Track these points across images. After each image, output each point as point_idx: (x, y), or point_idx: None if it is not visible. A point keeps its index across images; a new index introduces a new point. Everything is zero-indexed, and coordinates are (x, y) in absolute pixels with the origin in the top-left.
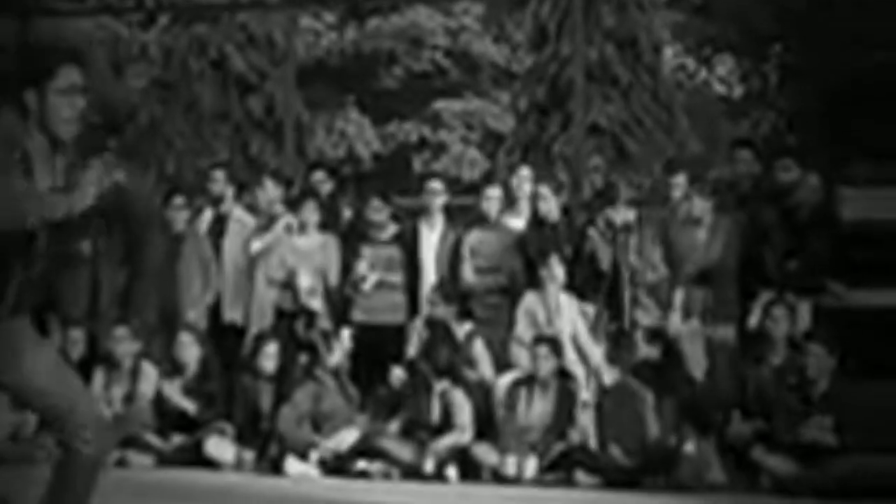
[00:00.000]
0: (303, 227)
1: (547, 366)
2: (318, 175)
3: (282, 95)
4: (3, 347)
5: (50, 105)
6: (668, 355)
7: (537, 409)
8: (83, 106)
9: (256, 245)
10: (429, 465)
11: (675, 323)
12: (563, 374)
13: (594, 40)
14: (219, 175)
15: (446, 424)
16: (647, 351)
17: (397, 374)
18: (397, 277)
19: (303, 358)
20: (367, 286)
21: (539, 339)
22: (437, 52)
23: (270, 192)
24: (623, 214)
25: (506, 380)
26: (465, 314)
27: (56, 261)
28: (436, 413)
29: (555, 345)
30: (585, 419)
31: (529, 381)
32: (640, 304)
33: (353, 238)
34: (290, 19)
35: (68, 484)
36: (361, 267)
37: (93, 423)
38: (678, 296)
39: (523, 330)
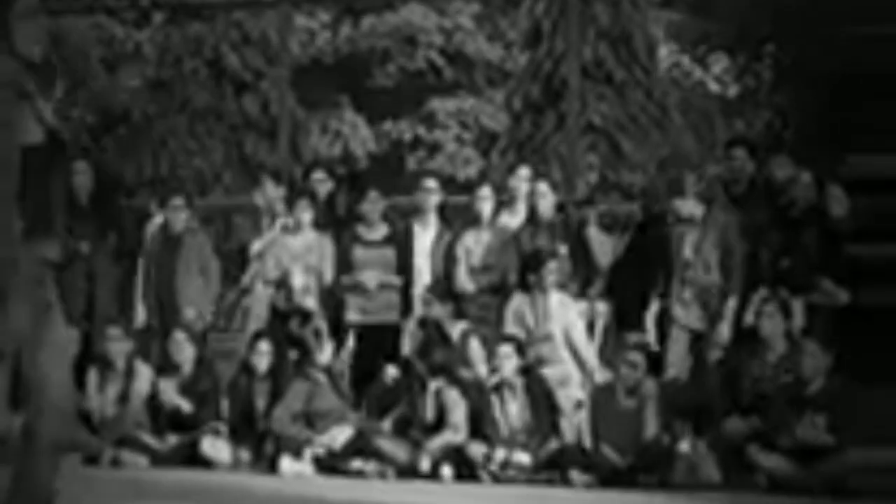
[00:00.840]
0: (297, 226)
1: (509, 365)
2: (318, 175)
3: (276, 94)
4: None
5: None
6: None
7: (513, 411)
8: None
9: (256, 246)
10: (424, 464)
11: (723, 333)
12: (529, 372)
13: (589, 39)
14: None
15: (440, 423)
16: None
17: (391, 372)
18: (391, 277)
19: (294, 356)
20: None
21: (502, 339)
22: (431, 51)
23: (270, 191)
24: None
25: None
26: (459, 314)
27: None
28: (430, 411)
29: (518, 344)
30: (579, 418)
31: (500, 384)
32: (684, 301)
33: (346, 237)
34: (284, 18)
35: (30, 469)
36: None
37: (58, 410)
38: (730, 304)
39: (511, 330)
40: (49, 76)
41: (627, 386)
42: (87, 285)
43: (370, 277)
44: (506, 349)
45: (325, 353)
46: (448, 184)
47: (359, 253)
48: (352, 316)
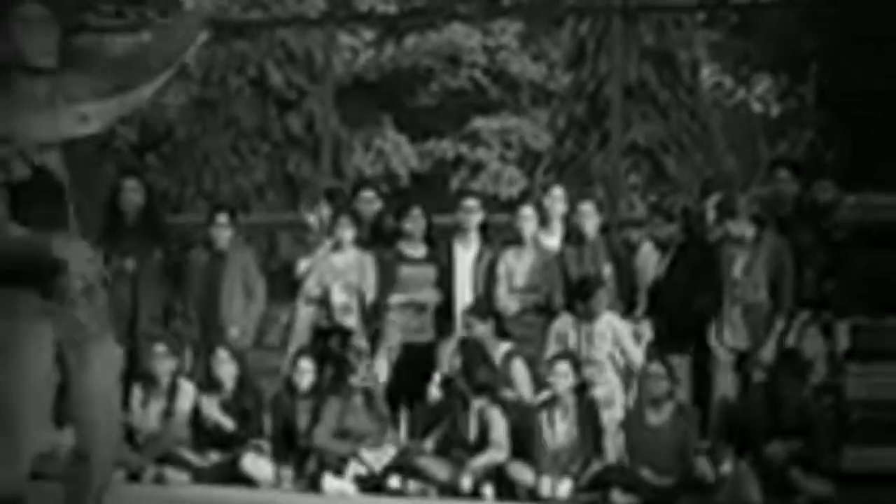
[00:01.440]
0: (338, 245)
1: (565, 383)
2: (367, 194)
3: (320, 112)
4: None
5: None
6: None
7: (561, 430)
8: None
9: (303, 265)
10: (465, 484)
11: (767, 354)
12: (583, 391)
13: (632, 58)
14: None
15: (483, 442)
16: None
17: (434, 392)
18: (429, 296)
19: (330, 372)
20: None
21: (557, 357)
22: (474, 70)
23: (325, 210)
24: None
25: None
26: (502, 334)
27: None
28: (473, 430)
29: (574, 361)
30: (620, 439)
31: (552, 402)
32: (732, 322)
33: (390, 255)
34: (328, 36)
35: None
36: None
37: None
38: (777, 326)
39: (552, 351)
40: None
41: (655, 403)
42: (132, 302)
43: (430, 296)
44: (562, 367)
45: (360, 373)
46: (491, 203)
47: (404, 271)
48: (393, 334)
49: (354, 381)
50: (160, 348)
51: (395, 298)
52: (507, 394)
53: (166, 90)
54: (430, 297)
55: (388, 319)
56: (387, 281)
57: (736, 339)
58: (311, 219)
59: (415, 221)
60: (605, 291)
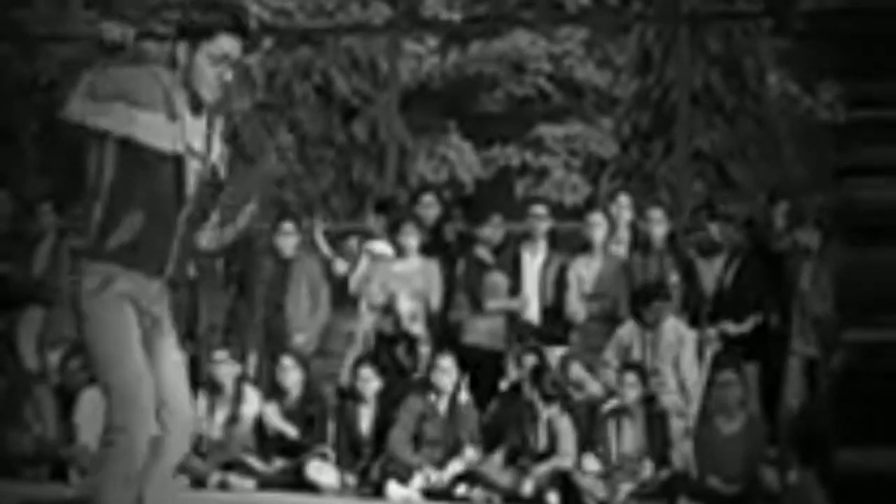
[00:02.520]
0: (402, 251)
1: (633, 393)
2: (427, 199)
3: (384, 119)
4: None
5: (196, 65)
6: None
7: (628, 438)
8: (229, 79)
9: (354, 277)
10: (528, 490)
11: (837, 363)
12: (652, 401)
13: (699, 66)
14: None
15: (552, 452)
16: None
17: (499, 400)
18: (521, 303)
19: (407, 374)
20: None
21: (626, 366)
22: (539, 77)
23: (373, 221)
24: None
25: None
26: (556, 340)
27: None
28: (542, 441)
29: (641, 372)
30: (687, 446)
31: (620, 411)
32: (801, 330)
33: (467, 261)
34: (393, 43)
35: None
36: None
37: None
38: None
39: (610, 357)
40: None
41: (727, 412)
42: (192, 310)
43: (522, 303)
44: (631, 378)
45: (446, 380)
46: (555, 210)
47: (490, 278)
48: (469, 340)
49: (441, 385)
50: (221, 354)
51: (492, 304)
52: (575, 395)
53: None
54: (522, 304)
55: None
56: (471, 287)
57: (806, 347)
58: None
59: (495, 229)
60: (668, 298)
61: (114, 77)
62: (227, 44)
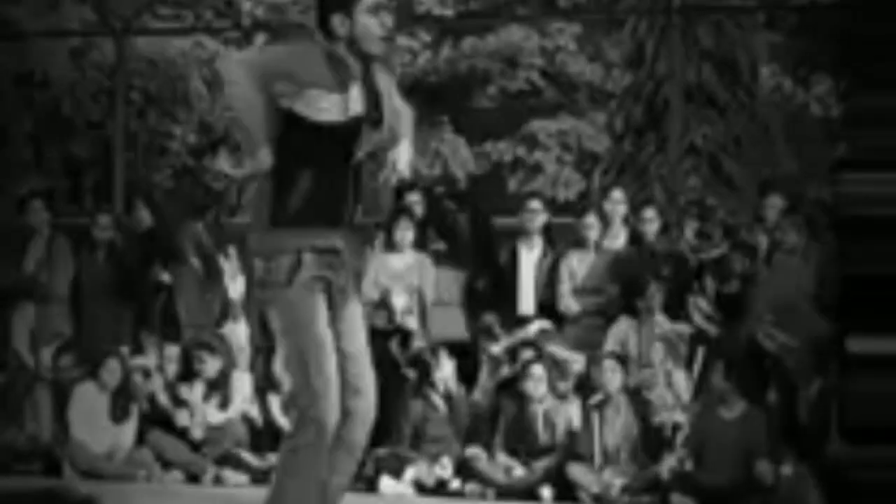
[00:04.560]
0: (395, 247)
1: (615, 380)
2: (413, 196)
3: None
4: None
5: (359, 25)
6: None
7: (615, 430)
8: (391, 24)
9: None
10: (523, 486)
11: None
12: (638, 395)
13: (692, 60)
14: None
15: (552, 444)
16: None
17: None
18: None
19: (412, 375)
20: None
21: (605, 356)
22: (532, 72)
23: None
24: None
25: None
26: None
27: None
28: (540, 433)
29: (622, 360)
30: (678, 441)
31: (603, 402)
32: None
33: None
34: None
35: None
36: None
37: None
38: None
39: (611, 349)
40: None
41: (724, 401)
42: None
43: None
44: (610, 363)
45: (443, 376)
46: (549, 205)
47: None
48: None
49: (441, 384)
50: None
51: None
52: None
53: None
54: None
55: None
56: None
57: (790, 340)
58: None
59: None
60: (659, 285)
61: (277, 57)
62: None
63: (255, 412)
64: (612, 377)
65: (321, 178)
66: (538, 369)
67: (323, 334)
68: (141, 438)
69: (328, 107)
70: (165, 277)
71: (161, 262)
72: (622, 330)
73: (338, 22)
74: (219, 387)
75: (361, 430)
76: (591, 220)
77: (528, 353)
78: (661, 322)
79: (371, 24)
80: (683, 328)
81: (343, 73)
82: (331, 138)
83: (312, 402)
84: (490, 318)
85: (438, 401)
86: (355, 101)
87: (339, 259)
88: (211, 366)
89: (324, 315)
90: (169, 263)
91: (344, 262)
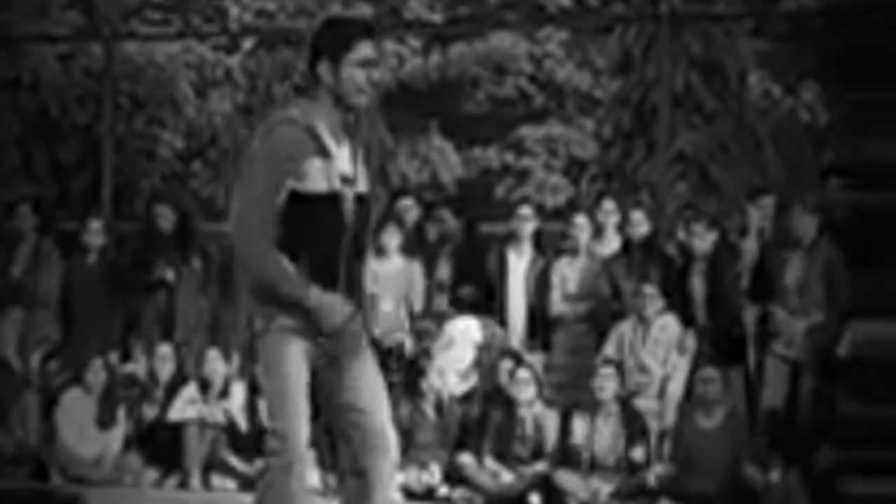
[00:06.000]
0: (383, 252)
1: (610, 387)
2: (406, 202)
3: (366, 120)
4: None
5: (345, 75)
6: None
7: (605, 435)
8: (377, 78)
9: None
10: (512, 492)
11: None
12: (627, 401)
13: (680, 67)
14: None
15: (539, 450)
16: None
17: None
18: None
19: (399, 379)
20: None
21: (605, 361)
22: (520, 78)
23: None
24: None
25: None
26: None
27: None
28: (528, 440)
29: (619, 368)
30: (667, 447)
31: (592, 406)
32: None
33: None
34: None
35: None
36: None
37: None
38: (829, 335)
39: (609, 353)
40: None
41: (707, 407)
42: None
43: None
44: (607, 370)
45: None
46: (538, 211)
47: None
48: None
49: (432, 389)
50: (213, 353)
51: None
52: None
53: None
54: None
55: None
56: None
57: (787, 347)
58: None
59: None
60: (652, 286)
61: (277, 143)
62: (366, 48)
63: (242, 418)
64: (606, 384)
65: (318, 255)
66: (524, 373)
67: (288, 372)
68: (128, 444)
69: (319, 175)
70: (169, 275)
71: (167, 261)
72: (622, 332)
73: (324, 69)
74: (213, 389)
75: (382, 496)
76: (581, 220)
77: (507, 363)
78: (662, 325)
79: (357, 76)
80: (682, 331)
81: (325, 138)
82: (326, 215)
83: (275, 438)
84: (426, 323)
85: (427, 407)
86: (338, 165)
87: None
88: (209, 367)
89: (295, 357)
90: (175, 262)
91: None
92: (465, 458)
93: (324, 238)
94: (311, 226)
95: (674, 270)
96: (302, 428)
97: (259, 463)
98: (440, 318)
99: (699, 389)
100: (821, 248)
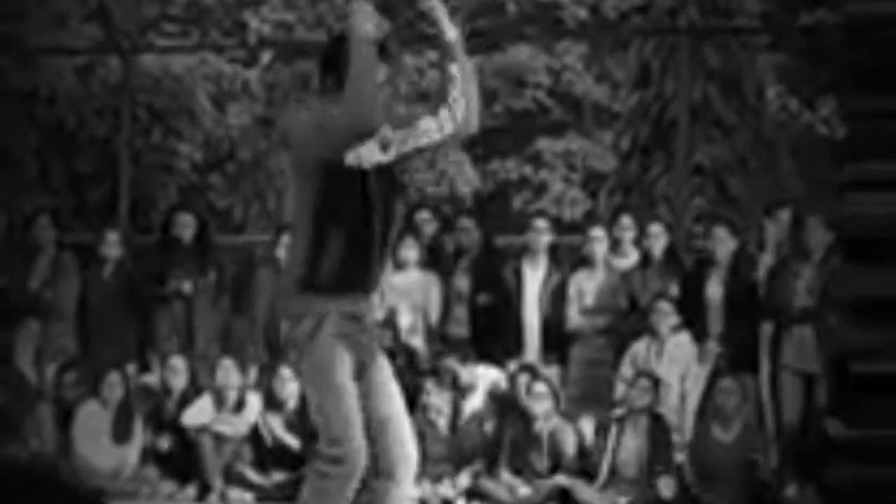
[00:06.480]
0: (400, 265)
1: (643, 399)
2: (423, 214)
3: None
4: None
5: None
6: None
7: (630, 446)
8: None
9: None
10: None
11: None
12: (656, 415)
13: (698, 80)
14: None
15: (556, 464)
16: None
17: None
18: None
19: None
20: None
21: (640, 373)
22: (538, 91)
23: None
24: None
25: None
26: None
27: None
28: (546, 453)
29: (655, 381)
30: (684, 458)
31: (621, 418)
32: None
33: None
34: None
35: None
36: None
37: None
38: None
39: (626, 370)
40: None
41: (724, 419)
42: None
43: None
44: (644, 382)
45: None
46: (554, 225)
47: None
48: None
49: (437, 403)
50: (227, 362)
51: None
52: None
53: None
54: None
55: None
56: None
57: (803, 362)
58: None
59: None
60: (668, 303)
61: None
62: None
63: (262, 431)
64: (641, 395)
65: (353, 243)
66: (541, 387)
67: (342, 381)
68: (145, 456)
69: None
70: (186, 287)
71: (185, 272)
72: (638, 348)
73: (330, 83)
74: (229, 401)
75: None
76: (598, 232)
77: (524, 377)
78: (677, 343)
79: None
80: (698, 347)
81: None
82: (360, 188)
83: (332, 447)
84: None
85: (441, 421)
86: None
87: (360, 324)
88: (224, 378)
89: (345, 365)
90: (192, 274)
91: (365, 328)
92: (482, 472)
93: (354, 223)
94: (342, 204)
95: (692, 280)
96: (359, 435)
97: (276, 475)
98: (464, 355)
99: (718, 400)
100: (833, 261)
